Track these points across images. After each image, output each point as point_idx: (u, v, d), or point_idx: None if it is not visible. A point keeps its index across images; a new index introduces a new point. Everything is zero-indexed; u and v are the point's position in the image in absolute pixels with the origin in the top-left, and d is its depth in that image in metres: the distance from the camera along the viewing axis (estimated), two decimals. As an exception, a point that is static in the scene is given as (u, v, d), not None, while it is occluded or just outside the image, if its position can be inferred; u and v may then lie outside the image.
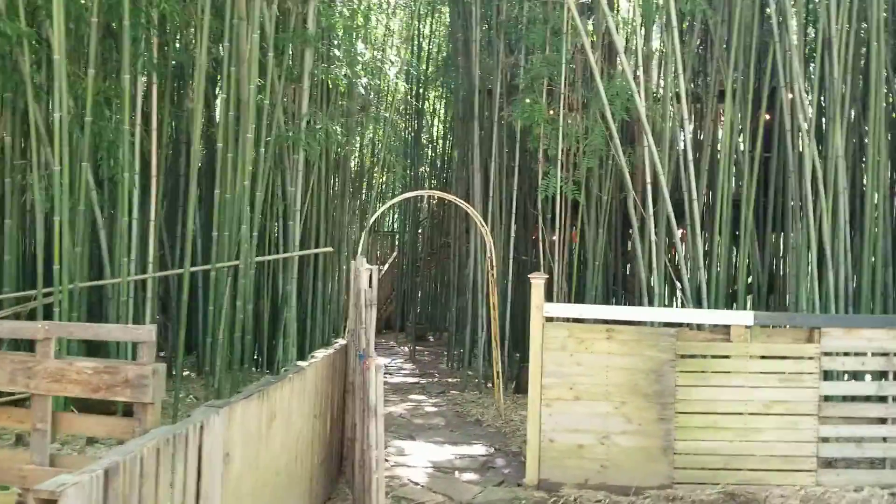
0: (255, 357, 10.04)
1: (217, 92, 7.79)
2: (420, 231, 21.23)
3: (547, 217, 10.34)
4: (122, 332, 4.77)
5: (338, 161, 11.98)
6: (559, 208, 9.83)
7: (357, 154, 12.20)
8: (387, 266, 22.65)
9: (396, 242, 23.15)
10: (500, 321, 10.37)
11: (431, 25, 19.58)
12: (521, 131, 10.79)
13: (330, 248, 8.67)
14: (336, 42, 9.45)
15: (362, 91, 10.60)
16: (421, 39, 18.98)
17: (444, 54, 19.35)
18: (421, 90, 19.51)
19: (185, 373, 9.65)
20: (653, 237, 9.02)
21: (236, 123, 7.94)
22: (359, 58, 9.67)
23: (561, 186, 9.70)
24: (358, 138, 11.97)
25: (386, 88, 15.26)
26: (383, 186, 22.54)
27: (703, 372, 6.97)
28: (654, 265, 9.05)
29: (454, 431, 9.27)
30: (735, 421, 6.87)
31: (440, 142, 21.02)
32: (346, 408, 6.91)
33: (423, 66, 19.68)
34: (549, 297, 10.12)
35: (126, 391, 4.23)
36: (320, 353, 6.16)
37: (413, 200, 20.06)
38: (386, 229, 25.13)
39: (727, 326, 7.03)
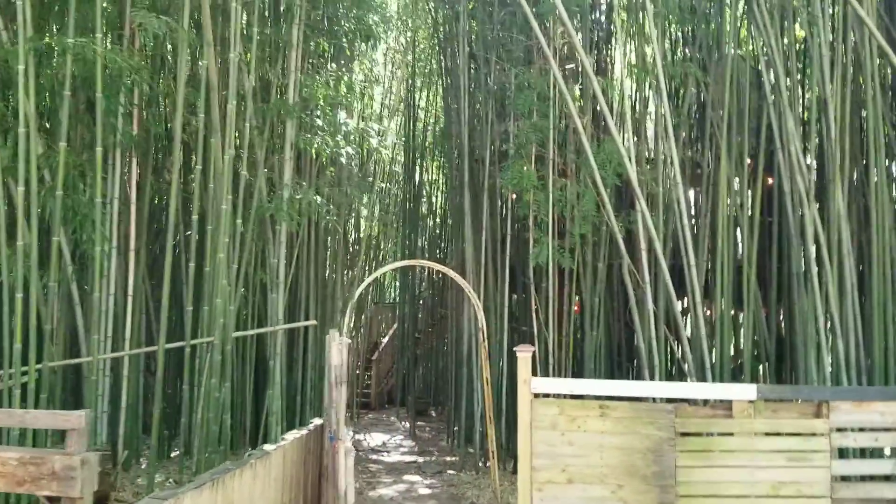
0: (248, 436, 9.57)
1: (193, 164, 7.55)
2: (420, 303, 20.84)
3: (541, 286, 9.97)
4: (51, 419, 4.38)
5: (328, 232, 11.71)
6: (552, 277, 9.47)
7: (351, 225, 11.88)
8: (387, 339, 22.20)
9: (398, 314, 22.76)
10: (496, 395, 9.91)
11: (428, 97, 19.64)
12: (512, 199, 10.51)
13: (313, 322, 8.31)
14: (318, 112, 9.26)
15: (344, 161, 10.38)
16: (417, 110, 18.93)
17: (442, 125, 19.33)
18: (419, 160, 19.40)
19: (175, 452, 9.17)
20: (650, 307, 8.62)
21: (214, 195, 7.68)
22: (342, 127, 9.45)
23: (553, 254, 9.34)
24: (349, 209, 11.66)
25: (378, 159, 15.11)
26: (381, 256, 22.36)
27: (705, 451, 6.47)
28: (654, 336, 8.62)
29: (446, 517, 8.73)
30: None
31: (440, 212, 20.84)
32: (321, 495, 6.44)
33: (421, 137, 19.66)
34: (544, 371, 9.71)
35: (52, 484, 3.82)
36: (291, 435, 5.73)
37: (413, 272, 19.76)
38: (388, 301, 24.76)
39: (729, 402, 6.56)
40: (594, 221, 9.52)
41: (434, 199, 21.29)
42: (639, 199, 8.47)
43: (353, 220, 17.90)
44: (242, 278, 8.98)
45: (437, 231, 20.51)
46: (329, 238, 11.89)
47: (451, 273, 9.22)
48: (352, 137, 9.71)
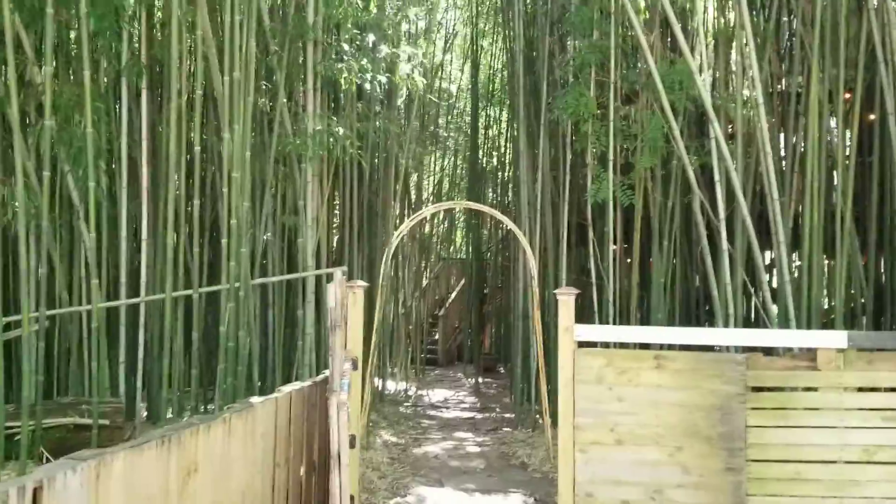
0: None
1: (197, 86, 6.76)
2: (489, 258, 20.05)
3: (602, 229, 8.98)
4: None
5: (373, 174, 10.96)
6: (614, 217, 8.48)
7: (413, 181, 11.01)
8: (455, 295, 21.52)
9: (466, 270, 22.02)
10: (550, 348, 9.05)
11: (494, 41, 18.60)
12: (570, 131, 9.49)
13: (342, 268, 7.62)
14: (346, 36, 8.40)
15: (377, 93, 9.52)
16: (481, 55, 17.92)
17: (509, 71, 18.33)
18: (485, 109, 18.46)
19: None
20: (725, 247, 7.55)
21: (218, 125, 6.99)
22: (372, 54, 8.55)
23: (615, 191, 8.35)
24: (400, 148, 10.80)
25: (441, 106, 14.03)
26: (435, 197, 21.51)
27: (782, 409, 5.48)
28: (730, 282, 7.56)
29: (492, 477, 7.98)
30: (825, 471, 5.35)
31: (509, 165, 19.81)
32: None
33: (486, 86, 18.75)
34: (603, 324, 8.78)
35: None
36: (291, 387, 5.02)
37: (481, 226, 18.93)
38: (456, 258, 24.03)
39: (813, 351, 5.54)
40: (662, 153, 8.44)
41: (501, 151, 20.36)
42: (713, 124, 7.37)
43: (416, 175, 17.17)
44: (267, 221, 8.34)
45: (506, 184, 19.59)
46: (379, 181, 11.10)
47: (496, 213, 8.33)
48: (383, 65, 8.79)
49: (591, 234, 8.92)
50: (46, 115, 5.68)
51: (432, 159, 21.33)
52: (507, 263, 17.41)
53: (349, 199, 10.22)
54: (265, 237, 8.35)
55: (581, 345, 5.64)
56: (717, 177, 7.60)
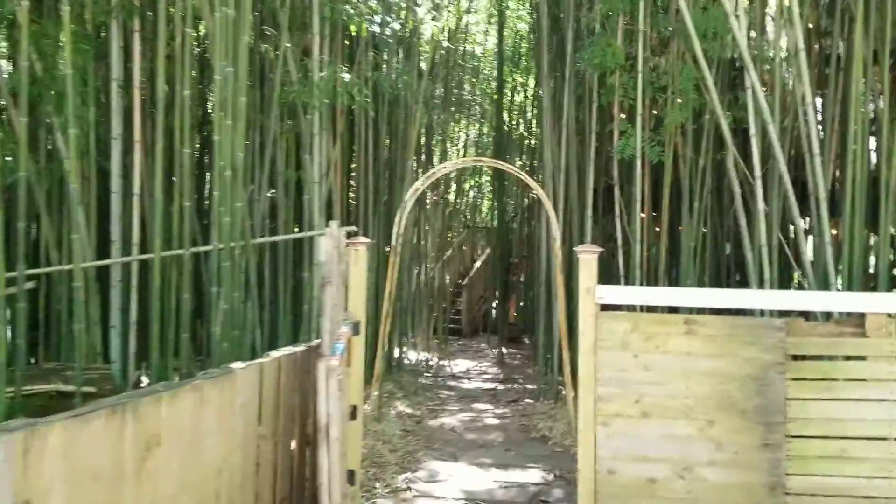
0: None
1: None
2: (514, 226, 19.54)
3: (629, 188, 8.42)
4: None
5: (393, 134, 10.45)
6: (642, 175, 7.92)
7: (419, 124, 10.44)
8: (479, 264, 21.03)
9: (490, 239, 21.48)
10: (574, 317, 8.55)
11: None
12: (596, 86, 8.88)
13: (350, 228, 7.14)
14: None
15: (392, 40, 8.96)
16: (505, 16, 17.26)
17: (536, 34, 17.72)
18: (511, 73, 17.88)
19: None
20: (761, 205, 6.97)
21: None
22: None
23: (642, 147, 7.77)
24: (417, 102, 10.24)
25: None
26: (472, 176, 21.03)
27: (825, 380, 4.95)
28: (766, 243, 6.99)
29: (510, 451, 7.54)
30: (873, 448, 4.83)
31: (536, 130, 19.21)
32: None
33: (512, 49, 18.20)
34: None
35: None
36: (280, 352, 4.59)
37: (503, 192, 18.39)
38: (481, 226, 23.51)
39: (861, 316, 4.99)
40: (694, 107, 7.83)
41: (528, 117, 19.76)
42: (749, 73, 6.76)
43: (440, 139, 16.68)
44: (271, 177, 7.88)
45: (533, 151, 19.01)
46: (398, 141, 10.59)
47: (517, 171, 7.79)
48: (396, 10, 8.23)
49: (617, 194, 8.34)
50: (23, 55, 5.25)
51: (457, 127, 20.83)
52: (533, 231, 16.92)
53: (365, 160, 9.74)
54: (269, 194, 7.90)
55: (604, 308, 5.15)
56: (752, 130, 7.00)
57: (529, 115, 19.30)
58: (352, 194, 10.72)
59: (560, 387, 9.90)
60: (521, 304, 19.93)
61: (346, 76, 7.58)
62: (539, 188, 7.78)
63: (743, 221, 7.26)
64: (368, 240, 5.42)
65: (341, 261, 4.75)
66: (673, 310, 6.45)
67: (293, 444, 4.65)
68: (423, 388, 10.85)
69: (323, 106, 7.48)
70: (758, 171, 6.95)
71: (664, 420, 5.01)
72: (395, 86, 9.67)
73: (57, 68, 6.10)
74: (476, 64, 19.94)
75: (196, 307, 6.90)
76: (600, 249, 5.18)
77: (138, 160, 6.99)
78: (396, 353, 11.88)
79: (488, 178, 22.58)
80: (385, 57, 9.57)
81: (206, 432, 3.65)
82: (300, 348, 4.83)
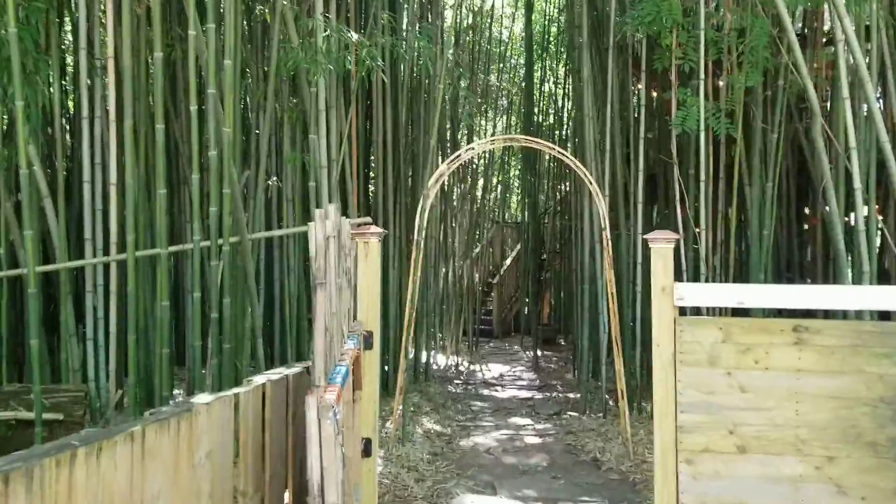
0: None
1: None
2: (546, 221, 18.39)
3: (689, 169, 7.25)
4: None
5: (414, 117, 9.35)
6: (706, 153, 6.74)
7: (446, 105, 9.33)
8: (510, 261, 19.88)
9: (521, 235, 20.33)
10: (627, 316, 7.43)
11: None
12: (647, 50, 7.71)
13: (365, 219, 6.04)
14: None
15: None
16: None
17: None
18: (541, 59, 16.79)
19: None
20: (857, 183, 5.76)
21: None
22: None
23: (706, 119, 6.60)
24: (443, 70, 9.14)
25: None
26: (501, 171, 20.00)
27: (984, 402, 3.77)
28: (863, 229, 5.78)
29: (558, 478, 6.40)
30: None
31: (567, 123, 18.07)
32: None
33: (542, 33, 17.16)
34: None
35: None
36: (264, 378, 3.49)
37: (537, 187, 17.24)
38: (510, 221, 22.36)
39: None
40: (767, 67, 6.63)
41: (559, 105, 18.62)
42: (842, 20, 5.55)
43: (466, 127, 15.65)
44: (271, 160, 6.81)
45: (564, 143, 17.87)
46: (421, 125, 9.50)
47: (551, 147, 6.62)
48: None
49: (676, 173, 7.15)
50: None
51: (483, 119, 19.79)
52: (569, 222, 15.79)
53: (383, 142, 8.63)
54: (270, 181, 6.83)
55: (682, 312, 4.01)
56: (844, 92, 5.79)
57: (560, 103, 18.30)
58: (371, 184, 9.66)
59: (607, 397, 8.77)
60: (554, 301, 18.82)
61: (355, 36, 6.46)
62: (582, 168, 6.62)
63: (833, 203, 6.05)
64: (380, 229, 4.32)
65: (346, 256, 3.66)
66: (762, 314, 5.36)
67: (287, 498, 3.56)
68: (453, 399, 9.75)
69: (330, 74, 6.36)
70: (853, 141, 5.74)
71: (768, 456, 3.85)
72: (415, 54, 8.52)
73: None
74: (502, 50, 18.93)
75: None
76: (676, 237, 4.03)
77: (114, 144, 5.93)
78: (423, 357, 10.81)
79: (517, 173, 21.53)
80: (405, 22, 8.40)
81: (151, 497, 2.57)
82: (295, 369, 3.74)
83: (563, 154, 6.63)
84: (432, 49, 7.81)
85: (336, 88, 6.91)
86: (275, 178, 7.02)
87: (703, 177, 6.73)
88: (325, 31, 6.04)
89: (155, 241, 5.33)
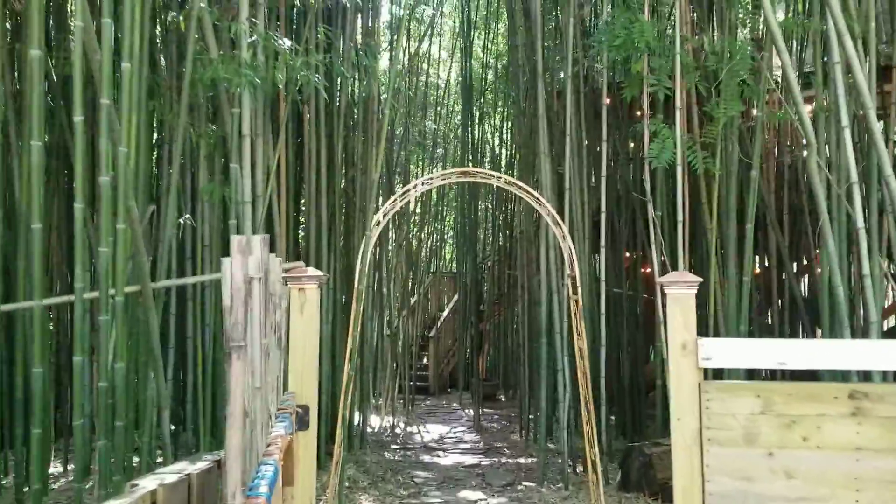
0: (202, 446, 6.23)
1: None
2: (485, 270, 17.66)
3: (658, 213, 6.51)
4: None
5: (349, 152, 8.46)
6: (681, 190, 6.02)
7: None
8: (447, 313, 18.99)
9: (458, 285, 19.50)
10: (592, 373, 6.60)
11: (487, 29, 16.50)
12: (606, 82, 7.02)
13: (296, 264, 5.14)
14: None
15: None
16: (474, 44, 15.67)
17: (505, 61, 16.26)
18: (478, 104, 16.26)
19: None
20: (860, 221, 5.09)
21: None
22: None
23: (683, 152, 5.89)
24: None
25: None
26: (438, 221, 19.30)
27: None
28: (867, 272, 5.10)
29: (524, 572, 5.42)
30: None
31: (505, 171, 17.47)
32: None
33: (480, 78, 16.70)
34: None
35: None
36: (156, 480, 2.45)
37: (472, 234, 16.50)
38: (447, 271, 21.56)
39: None
40: (748, 96, 5.99)
41: (496, 153, 18.06)
42: (843, 39, 4.92)
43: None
44: (185, 195, 5.82)
45: (501, 195, 17.29)
46: (357, 161, 8.62)
47: (519, 187, 5.79)
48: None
49: (651, 211, 6.38)
50: None
51: (418, 167, 19.11)
52: (511, 271, 15.04)
53: (316, 183, 7.68)
54: (182, 220, 5.80)
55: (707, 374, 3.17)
56: (843, 121, 5.16)
57: (498, 150, 17.75)
58: (301, 228, 8.68)
59: (566, 464, 7.87)
60: (494, 355, 18.02)
61: (287, 42, 5.53)
62: (546, 205, 5.81)
63: (831, 243, 5.35)
64: (319, 273, 3.38)
65: (275, 307, 2.69)
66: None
67: None
68: (392, 469, 8.68)
69: (256, 93, 5.39)
70: (853, 174, 5.08)
71: (823, 562, 3.00)
72: (354, 80, 7.64)
73: None
74: (439, 95, 18.36)
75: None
76: (699, 279, 3.20)
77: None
78: (357, 419, 9.76)
79: (451, 223, 20.83)
80: (342, 36, 7.50)
81: None
82: (201, 465, 2.69)
83: (524, 189, 5.81)
84: (376, 67, 6.95)
85: (263, 115, 5.95)
86: (188, 216, 5.99)
87: (679, 217, 5.99)
88: (252, 36, 5.12)
89: (30, 291, 4.24)
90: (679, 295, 3.15)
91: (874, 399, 3.04)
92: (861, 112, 5.17)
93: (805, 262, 8.60)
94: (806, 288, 9.39)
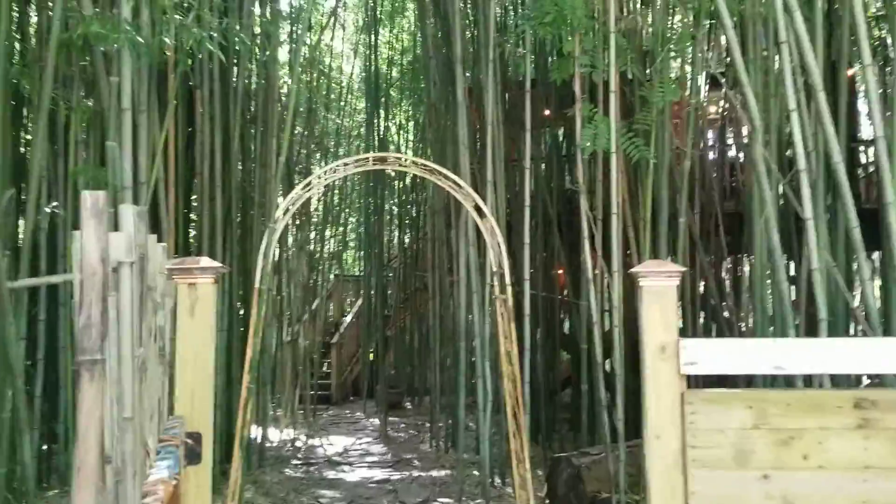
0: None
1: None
2: (390, 274, 17.08)
3: (592, 213, 6.05)
4: None
5: (246, 142, 7.70)
6: (616, 183, 5.57)
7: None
8: (350, 318, 18.27)
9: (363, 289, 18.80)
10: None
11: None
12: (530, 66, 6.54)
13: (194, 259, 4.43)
14: None
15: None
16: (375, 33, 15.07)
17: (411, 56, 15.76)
18: (383, 103, 15.69)
19: None
20: (808, 211, 4.75)
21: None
22: None
23: (617, 139, 5.45)
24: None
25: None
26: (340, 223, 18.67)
27: None
28: (816, 266, 4.76)
29: None
30: None
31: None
32: None
33: (386, 77, 16.19)
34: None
35: None
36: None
37: (379, 237, 15.87)
38: (350, 274, 20.87)
39: None
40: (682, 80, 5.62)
41: (405, 150, 17.53)
42: (792, 14, 4.57)
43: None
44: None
45: (409, 192, 16.75)
46: (256, 152, 7.88)
47: (442, 174, 5.21)
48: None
49: (584, 206, 5.89)
50: None
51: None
52: (420, 272, 14.52)
53: (210, 175, 6.89)
54: (49, 208, 4.94)
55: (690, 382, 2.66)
56: (790, 104, 4.81)
57: (405, 146, 17.26)
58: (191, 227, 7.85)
59: (486, 475, 7.34)
60: (398, 361, 17.47)
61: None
62: (473, 193, 5.25)
63: (776, 238, 5.00)
64: (217, 264, 2.69)
65: (153, 306, 2.01)
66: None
67: None
68: (294, 490, 7.95)
69: (137, 55, 4.59)
70: (802, 162, 4.74)
71: None
72: (256, 46, 6.90)
73: None
74: (341, 90, 17.69)
75: None
76: (681, 269, 2.69)
77: None
78: (255, 433, 8.96)
79: (353, 226, 20.23)
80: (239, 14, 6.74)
81: None
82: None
83: (447, 177, 5.24)
84: (279, 35, 6.25)
85: (148, 87, 5.15)
86: (56, 204, 5.13)
87: (614, 209, 5.54)
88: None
89: None
90: (657, 288, 2.63)
91: (884, 408, 2.60)
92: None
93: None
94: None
